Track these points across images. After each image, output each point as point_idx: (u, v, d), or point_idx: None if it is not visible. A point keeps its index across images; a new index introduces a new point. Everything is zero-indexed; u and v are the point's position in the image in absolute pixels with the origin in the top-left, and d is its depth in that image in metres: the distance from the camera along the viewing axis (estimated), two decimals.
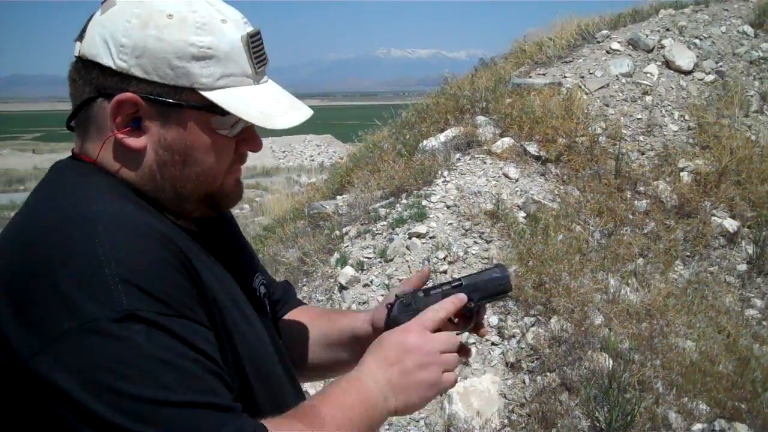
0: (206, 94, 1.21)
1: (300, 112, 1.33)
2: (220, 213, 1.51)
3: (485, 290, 1.53)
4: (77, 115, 1.26)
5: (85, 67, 1.22)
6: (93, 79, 1.21)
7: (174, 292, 1.08)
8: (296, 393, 1.48)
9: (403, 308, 1.49)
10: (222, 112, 1.23)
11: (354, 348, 1.64)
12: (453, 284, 1.52)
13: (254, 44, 1.27)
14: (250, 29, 1.27)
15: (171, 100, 1.21)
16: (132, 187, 1.24)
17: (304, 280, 6.33)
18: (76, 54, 1.23)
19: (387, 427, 4.83)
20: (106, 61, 1.19)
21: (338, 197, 8.08)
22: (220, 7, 1.26)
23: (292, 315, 1.78)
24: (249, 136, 1.33)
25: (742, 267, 6.84)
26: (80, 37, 1.23)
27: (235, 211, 12.40)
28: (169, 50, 1.18)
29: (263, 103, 1.27)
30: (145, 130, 1.22)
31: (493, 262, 5.95)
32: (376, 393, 1.30)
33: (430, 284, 1.59)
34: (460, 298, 1.47)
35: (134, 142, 1.22)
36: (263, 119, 1.25)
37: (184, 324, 1.07)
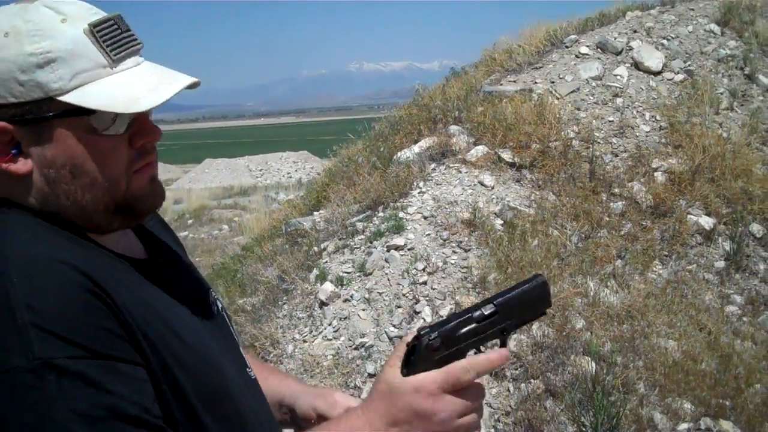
0: (64, 98, 1.14)
1: (171, 86, 1.21)
2: (166, 234, 1.50)
3: (523, 313, 1.32)
4: None
5: None
6: None
7: (90, 332, 1.04)
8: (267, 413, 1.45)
9: (426, 355, 1.24)
10: (88, 112, 1.15)
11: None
12: (486, 313, 1.27)
13: (103, 31, 1.18)
14: (95, 18, 1.19)
15: (34, 116, 1.14)
16: (38, 211, 1.19)
17: (284, 298, 6.30)
18: None
19: None
20: None
21: (315, 213, 8.05)
22: (62, 7, 1.18)
23: None
24: (141, 127, 1.24)
25: (720, 264, 6.88)
26: None
27: (214, 231, 12.35)
28: (13, 68, 1.12)
29: (128, 89, 1.18)
30: (27, 154, 1.16)
31: (472, 271, 5.95)
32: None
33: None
34: (499, 357, 1.29)
35: (19, 167, 1.16)
36: (127, 105, 1.16)
37: (101, 366, 1.03)
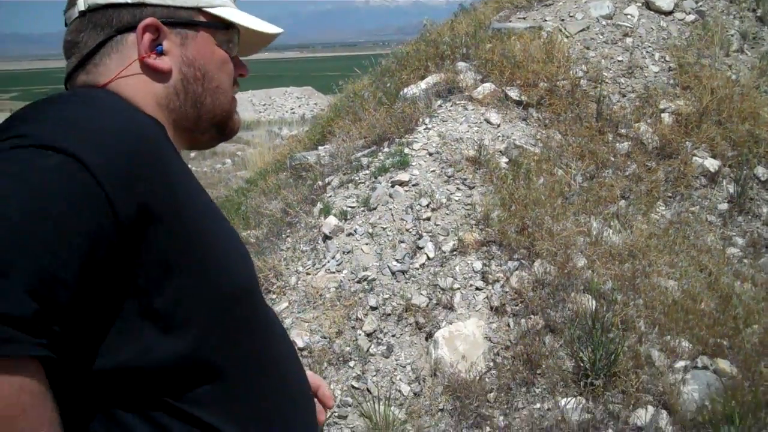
0: (213, 11, 1.35)
1: (276, 27, 1.49)
2: None
3: None
4: (85, 62, 1.30)
5: (94, 15, 1.28)
6: (107, 22, 1.28)
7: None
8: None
9: None
10: (227, 27, 1.38)
11: None
12: None
13: None
14: None
15: (187, 20, 1.32)
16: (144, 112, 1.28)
17: (288, 231, 6.33)
18: (83, 8, 1.28)
19: (374, 373, 4.88)
20: None
21: (320, 148, 8.05)
22: None
23: None
24: (239, 62, 1.46)
25: (724, 206, 6.89)
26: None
27: (217, 165, 12.38)
28: None
29: (252, 18, 1.42)
30: (167, 53, 1.30)
31: (476, 208, 5.97)
32: None
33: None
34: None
35: (161, 63, 1.29)
36: (260, 25, 1.43)
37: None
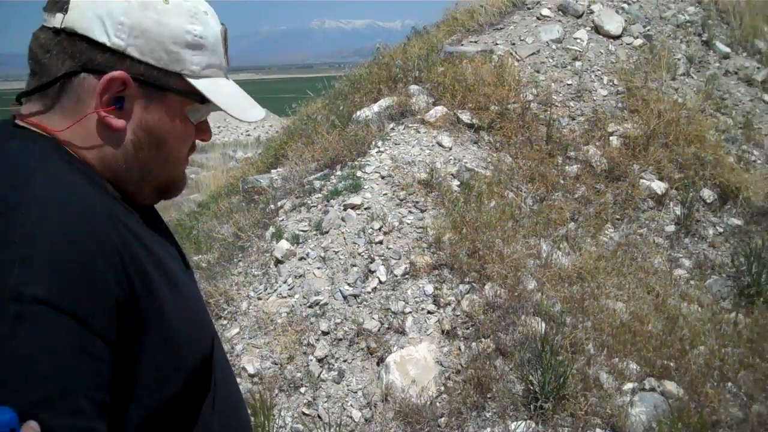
0: (193, 81, 1.26)
1: (260, 109, 1.41)
2: None
3: None
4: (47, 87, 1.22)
5: (68, 39, 1.19)
6: (78, 53, 1.18)
7: (80, 288, 1.03)
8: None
9: None
10: (202, 100, 1.28)
11: None
12: None
13: (226, 37, 1.34)
14: (220, 24, 1.33)
15: (161, 84, 1.23)
16: (89, 167, 1.23)
17: (240, 255, 6.31)
18: (58, 26, 1.19)
19: (325, 399, 4.87)
20: (100, 37, 1.18)
21: (273, 171, 8.04)
22: (202, 0, 1.30)
23: None
24: (204, 126, 1.39)
25: (671, 228, 7.02)
26: (58, 9, 1.20)
27: None
28: (167, 35, 1.21)
29: (235, 96, 1.35)
30: (127, 111, 1.22)
31: (428, 231, 6.00)
32: None
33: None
34: None
35: (116, 121, 1.22)
36: (238, 112, 1.33)
37: (71, 324, 1.01)
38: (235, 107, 1.33)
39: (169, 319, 1.19)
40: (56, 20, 1.19)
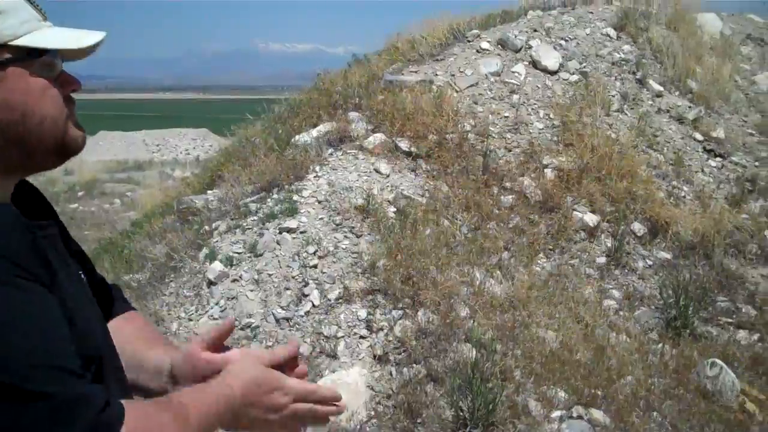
0: (17, 42, 1.23)
1: (97, 33, 1.37)
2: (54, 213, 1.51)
3: None
4: None
5: None
6: None
7: (27, 257, 1.14)
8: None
9: None
10: (38, 54, 1.25)
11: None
12: None
13: None
14: None
15: None
16: None
17: (172, 275, 6.22)
18: None
19: None
20: None
21: (209, 192, 7.97)
22: None
23: (120, 320, 1.71)
24: (66, 78, 1.35)
25: (602, 260, 7.14)
26: None
27: (105, 205, 11.95)
28: None
29: (66, 34, 1.32)
30: None
31: (363, 256, 6.00)
32: (241, 415, 1.38)
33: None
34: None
35: None
36: (78, 41, 1.32)
37: (38, 290, 1.12)
38: (70, 41, 1.31)
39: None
40: None
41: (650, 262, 7.32)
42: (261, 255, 6.02)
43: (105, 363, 1.33)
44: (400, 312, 5.60)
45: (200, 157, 27.39)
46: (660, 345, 6.03)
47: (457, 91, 8.61)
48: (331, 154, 7.40)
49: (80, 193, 19.42)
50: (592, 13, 11.12)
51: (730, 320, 6.64)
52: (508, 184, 7.53)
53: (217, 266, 5.92)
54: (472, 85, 8.77)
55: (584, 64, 9.77)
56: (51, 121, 1.29)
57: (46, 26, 1.31)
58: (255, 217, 6.56)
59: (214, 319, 5.52)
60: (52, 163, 1.36)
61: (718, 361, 5.63)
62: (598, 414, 5.05)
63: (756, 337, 6.42)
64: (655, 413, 5.14)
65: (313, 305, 5.59)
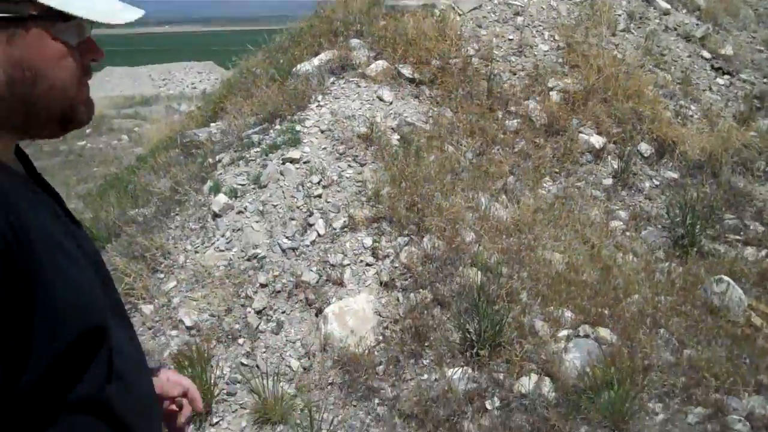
0: (45, 1, 1.17)
1: (134, 10, 1.32)
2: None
3: None
4: None
5: None
6: None
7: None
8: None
9: None
10: (64, 18, 1.19)
11: None
12: None
13: None
14: None
15: (12, 15, 1.15)
16: None
17: (177, 209, 6.23)
18: None
19: (264, 349, 4.87)
20: None
21: (212, 125, 7.93)
22: None
23: None
24: (90, 45, 1.30)
25: (608, 181, 7.11)
26: None
27: (113, 141, 11.93)
28: None
29: (100, 4, 1.26)
30: None
31: (367, 185, 5.99)
32: None
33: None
34: None
35: None
36: (106, 15, 1.25)
37: None
38: (99, 13, 1.24)
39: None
40: None
41: (657, 182, 7.28)
42: (265, 186, 6.02)
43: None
44: (406, 239, 5.61)
45: (206, 91, 27.22)
46: (667, 263, 6.03)
47: (460, 15, 8.46)
48: (333, 82, 7.33)
49: (88, 130, 19.36)
50: None
51: (737, 237, 6.63)
52: (513, 108, 7.46)
53: (222, 198, 5.92)
54: (475, 8, 8.63)
55: None
56: (61, 90, 1.25)
57: None
58: (258, 149, 6.54)
59: (221, 250, 5.55)
60: (52, 132, 1.32)
61: (725, 278, 5.63)
62: (605, 332, 5.08)
63: (764, 253, 6.41)
64: (662, 330, 5.17)
65: (319, 234, 5.60)
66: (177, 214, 6.14)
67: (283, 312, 5.13)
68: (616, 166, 7.23)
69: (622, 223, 6.65)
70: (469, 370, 4.67)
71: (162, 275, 5.47)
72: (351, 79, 7.33)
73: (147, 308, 5.11)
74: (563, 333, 5.03)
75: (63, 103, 1.27)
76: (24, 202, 1.16)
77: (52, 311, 1.13)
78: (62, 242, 1.22)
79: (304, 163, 6.18)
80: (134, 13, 1.30)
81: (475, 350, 4.72)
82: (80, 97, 1.30)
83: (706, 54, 9.40)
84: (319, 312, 5.11)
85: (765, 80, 9.27)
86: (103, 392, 1.25)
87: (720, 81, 9.08)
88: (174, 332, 4.96)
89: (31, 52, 1.19)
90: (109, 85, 34.62)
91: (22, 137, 1.31)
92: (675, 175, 7.37)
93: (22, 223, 1.10)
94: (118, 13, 1.27)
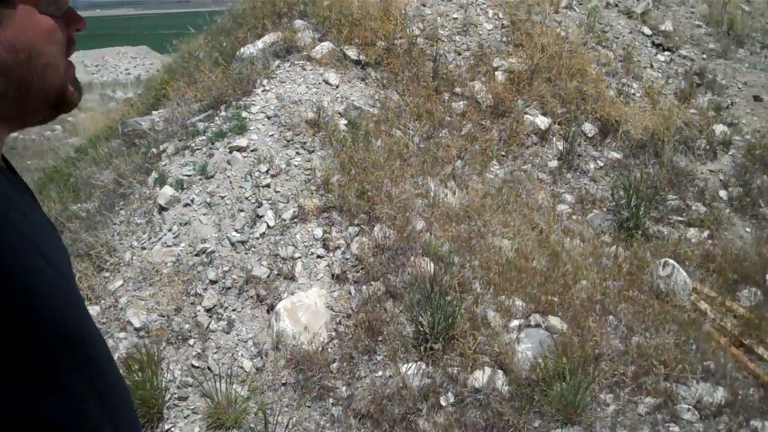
0: None
1: None
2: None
3: None
4: None
5: None
6: None
7: None
8: None
9: None
10: None
11: None
12: None
13: None
14: None
15: None
16: None
17: (121, 203, 6.08)
18: None
19: (215, 350, 4.81)
20: None
21: (154, 113, 7.74)
22: None
23: None
24: (72, 15, 1.26)
25: (554, 164, 7.17)
26: None
27: (46, 132, 11.56)
28: None
29: None
30: None
31: (316, 173, 5.93)
32: None
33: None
34: None
35: None
36: None
37: None
38: None
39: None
40: None
41: (601, 164, 7.37)
42: (212, 177, 5.91)
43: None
44: (357, 229, 5.58)
45: (141, 77, 26.57)
46: (613, 248, 6.13)
47: None
48: (278, 66, 7.21)
49: None
50: None
51: (680, 218, 6.76)
52: (459, 90, 7.45)
53: (168, 191, 5.80)
54: None
55: None
56: (53, 67, 1.21)
57: None
58: (203, 137, 6.41)
59: (168, 246, 5.45)
60: (45, 117, 1.27)
61: (671, 261, 5.75)
62: (555, 321, 5.14)
63: (706, 234, 6.56)
64: (611, 317, 5.26)
65: (268, 226, 5.53)
66: (121, 209, 5.98)
67: (234, 309, 5.07)
68: (561, 148, 7.29)
69: (568, 206, 6.72)
70: (423, 365, 4.69)
71: (108, 274, 5.34)
72: (296, 62, 7.22)
73: (93, 309, 4.99)
74: (515, 323, 5.08)
75: (56, 83, 1.22)
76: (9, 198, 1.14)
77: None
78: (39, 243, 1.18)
79: (252, 151, 6.09)
80: None
81: (428, 344, 4.73)
82: (69, 74, 1.26)
83: (646, 30, 9.49)
84: (271, 308, 5.06)
85: (704, 56, 9.41)
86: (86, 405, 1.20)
87: (661, 57, 9.19)
88: (122, 334, 4.86)
89: (22, 31, 1.14)
90: None
91: (16, 127, 1.26)
92: (619, 156, 7.46)
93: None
94: None
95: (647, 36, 9.41)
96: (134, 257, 5.42)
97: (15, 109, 1.18)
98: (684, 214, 6.78)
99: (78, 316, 1.23)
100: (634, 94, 8.33)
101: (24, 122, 1.24)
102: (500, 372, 4.67)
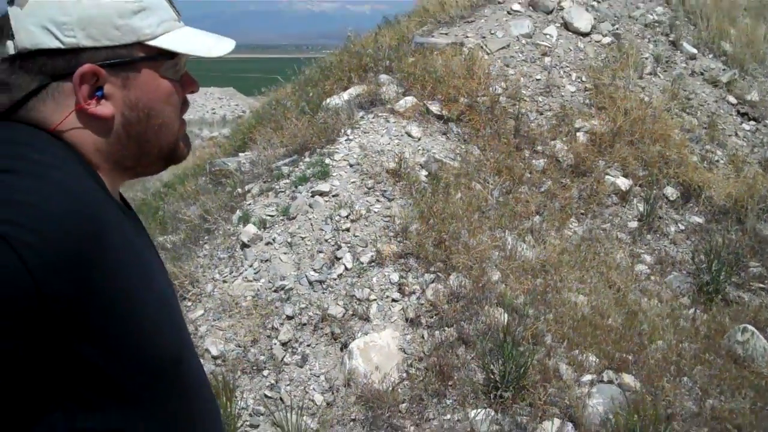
0: (153, 43, 1.25)
1: (228, 42, 1.40)
2: None
3: None
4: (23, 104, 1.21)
5: (26, 60, 1.19)
6: (40, 68, 1.18)
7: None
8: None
9: None
10: (171, 56, 1.28)
11: None
12: None
13: None
14: None
15: (127, 59, 1.23)
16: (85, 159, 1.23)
17: (206, 237, 6.29)
18: (12, 52, 1.19)
19: (288, 382, 4.89)
20: (52, 43, 1.17)
21: (241, 154, 8.00)
22: None
23: None
24: (188, 79, 1.38)
25: (633, 224, 7.13)
26: (5, 37, 1.20)
27: None
28: (111, 12, 1.20)
29: (198, 39, 1.34)
30: (108, 97, 1.23)
31: (395, 220, 6.03)
32: None
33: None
34: None
35: (103, 110, 1.22)
36: (208, 50, 1.33)
37: None
38: (201, 48, 1.33)
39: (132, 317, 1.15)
40: (8, 48, 1.20)
41: (682, 227, 7.29)
42: (294, 218, 6.06)
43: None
44: (432, 275, 5.63)
45: (227, 116, 27.27)
46: (691, 310, 6.03)
47: (488, 54, 8.54)
48: (363, 117, 7.40)
49: None
50: None
51: (762, 285, 6.62)
52: (539, 148, 7.50)
53: (251, 229, 5.97)
54: (503, 48, 8.70)
55: (617, 26, 9.64)
56: (169, 126, 1.33)
57: (179, 26, 1.33)
58: (287, 180, 6.60)
59: (248, 280, 5.59)
60: (157, 169, 1.40)
61: (750, 327, 5.63)
62: (628, 378, 5.07)
63: None
64: (685, 378, 5.16)
65: (346, 268, 5.63)
66: (206, 243, 6.19)
67: (309, 345, 5.15)
68: (641, 209, 7.25)
69: (647, 267, 6.65)
70: (492, 412, 4.67)
71: (190, 303, 5.51)
72: (380, 114, 7.39)
73: None
74: (587, 378, 5.04)
75: (170, 140, 1.34)
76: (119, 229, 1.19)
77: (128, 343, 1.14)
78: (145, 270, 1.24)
79: (333, 196, 6.23)
80: (228, 44, 1.39)
81: (498, 392, 4.72)
82: (181, 132, 1.38)
83: (732, 99, 9.42)
84: (344, 346, 5.13)
85: None
86: None
87: (746, 127, 9.10)
88: (200, 360, 4.99)
89: (145, 92, 1.26)
90: None
91: (132, 176, 1.37)
92: (700, 220, 7.38)
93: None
94: (214, 48, 1.35)
95: (732, 105, 9.34)
96: (215, 289, 5.58)
97: (132, 161, 1.31)
98: (766, 281, 6.64)
99: (178, 344, 1.30)
100: (717, 161, 8.26)
101: (139, 173, 1.37)
102: (570, 424, 4.62)
